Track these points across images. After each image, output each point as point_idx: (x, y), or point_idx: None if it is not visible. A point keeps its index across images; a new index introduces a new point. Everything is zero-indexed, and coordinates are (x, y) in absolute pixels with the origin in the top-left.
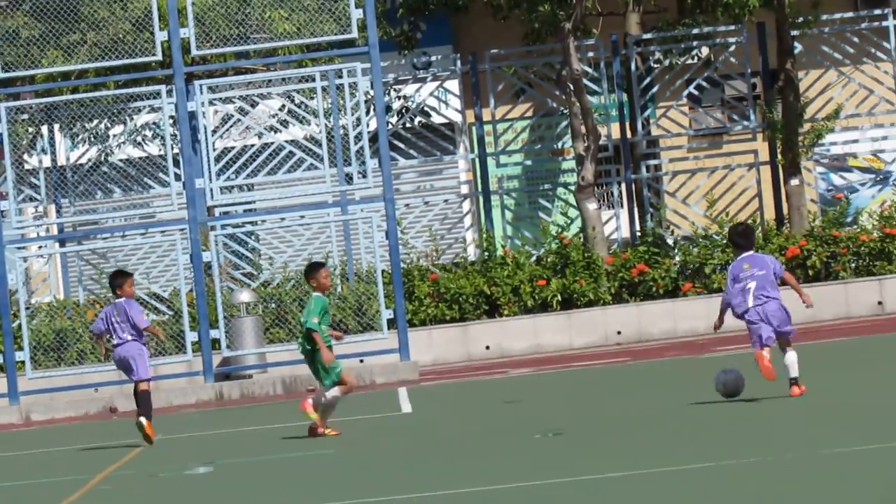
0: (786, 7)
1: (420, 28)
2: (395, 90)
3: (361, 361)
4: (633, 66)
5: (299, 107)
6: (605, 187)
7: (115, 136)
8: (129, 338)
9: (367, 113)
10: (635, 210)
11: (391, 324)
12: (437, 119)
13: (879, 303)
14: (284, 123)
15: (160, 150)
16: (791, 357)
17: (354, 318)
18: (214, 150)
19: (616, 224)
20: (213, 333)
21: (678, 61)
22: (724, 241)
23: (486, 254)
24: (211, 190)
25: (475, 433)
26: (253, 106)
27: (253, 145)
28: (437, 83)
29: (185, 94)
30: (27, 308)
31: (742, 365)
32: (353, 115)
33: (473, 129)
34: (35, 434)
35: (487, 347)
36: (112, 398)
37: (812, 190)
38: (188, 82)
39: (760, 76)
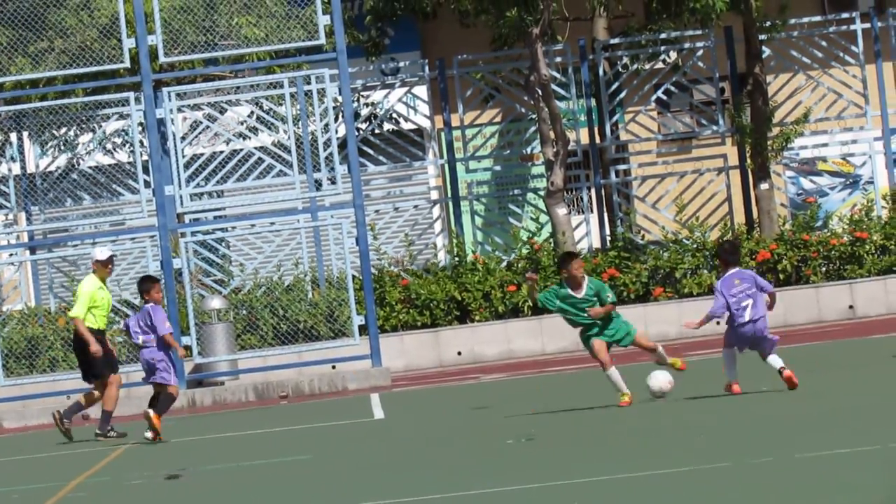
0: (753, 11)
1: (388, 34)
2: (363, 96)
3: (333, 367)
4: (601, 71)
5: (268, 113)
6: (574, 192)
7: (84, 143)
8: (154, 343)
9: (336, 119)
10: (605, 215)
11: (363, 330)
12: (405, 125)
13: (850, 307)
14: (253, 130)
15: (129, 157)
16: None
17: (326, 325)
18: (184, 156)
19: (586, 229)
20: (185, 340)
21: (646, 66)
22: (695, 246)
23: (457, 259)
24: (180, 197)
25: (448, 439)
26: (222, 112)
27: (222, 152)
28: (406, 89)
29: (154, 100)
30: None
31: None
32: (321, 121)
33: (442, 134)
34: (8, 441)
35: (459, 353)
36: None
37: (782, 194)
38: (156, 89)
39: (729, 80)
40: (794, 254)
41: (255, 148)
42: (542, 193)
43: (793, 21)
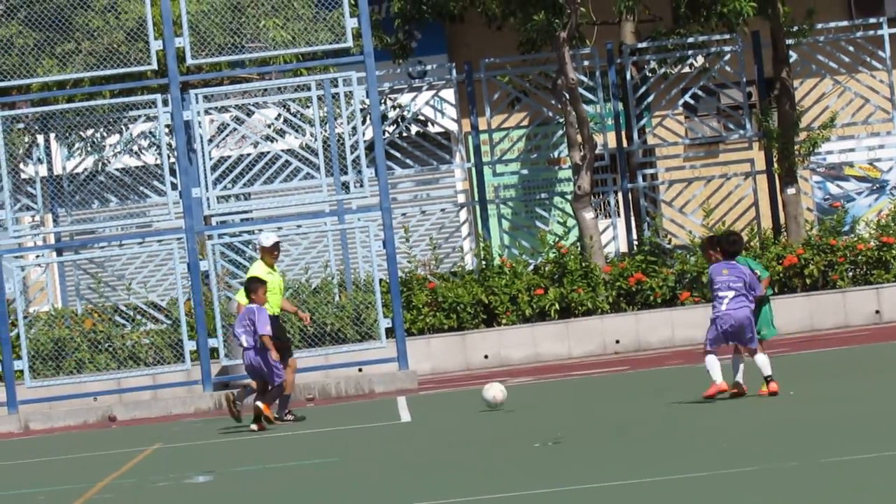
0: (780, 16)
1: (415, 37)
2: (390, 99)
3: (360, 370)
4: (628, 75)
5: (295, 116)
6: (601, 196)
7: (111, 145)
8: (253, 345)
9: (363, 122)
10: (632, 219)
11: (389, 333)
12: (432, 128)
13: (877, 312)
14: (280, 132)
15: (156, 159)
16: (761, 358)
17: (353, 328)
18: (211, 159)
19: (613, 233)
20: (212, 342)
21: (673, 70)
22: None
23: (484, 263)
24: (207, 199)
25: (474, 442)
26: (249, 115)
27: (249, 154)
28: (433, 92)
29: (181, 103)
30: (25, 317)
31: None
32: (348, 123)
33: (469, 138)
34: (34, 443)
35: (486, 356)
36: (111, 407)
37: (809, 199)
38: (184, 91)
39: (756, 85)
40: (821, 258)
41: (282, 150)
42: (569, 197)
43: (820, 26)
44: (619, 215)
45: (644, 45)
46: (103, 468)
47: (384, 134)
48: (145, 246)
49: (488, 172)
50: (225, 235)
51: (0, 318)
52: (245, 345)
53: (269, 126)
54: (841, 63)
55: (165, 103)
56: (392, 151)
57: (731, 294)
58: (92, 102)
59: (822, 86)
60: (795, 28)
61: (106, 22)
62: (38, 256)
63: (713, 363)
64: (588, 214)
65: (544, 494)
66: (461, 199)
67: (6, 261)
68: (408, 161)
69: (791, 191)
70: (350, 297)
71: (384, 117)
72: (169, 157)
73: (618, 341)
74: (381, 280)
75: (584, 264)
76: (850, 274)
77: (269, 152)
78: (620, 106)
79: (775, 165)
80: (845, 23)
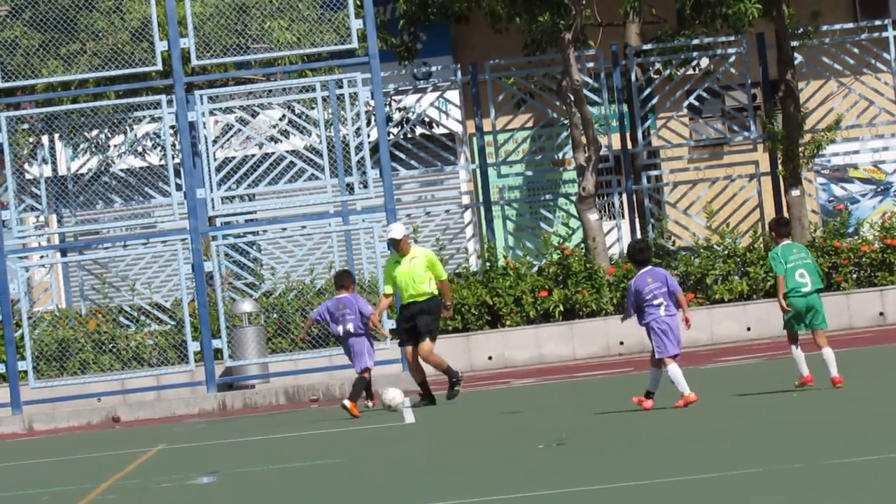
0: (785, 18)
1: (420, 38)
2: (395, 100)
3: None
4: (633, 77)
5: (300, 117)
6: (606, 198)
7: (115, 145)
8: (360, 330)
9: (368, 123)
10: (636, 221)
11: (393, 334)
12: (437, 129)
13: (881, 313)
14: (285, 133)
15: (161, 159)
16: (674, 369)
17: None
18: (215, 160)
19: (617, 235)
20: (216, 343)
21: (678, 72)
22: (726, 252)
23: (488, 264)
24: (212, 200)
25: (478, 443)
26: (253, 116)
27: (254, 155)
28: (438, 93)
29: (186, 103)
30: (29, 318)
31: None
32: (353, 125)
33: (474, 139)
34: (38, 443)
35: (490, 358)
36: (115, 407)
37: (813, 201)
38: (188, 92)
39: (760, 87)
40: (825, 260)
41: (287, 151)
42: (573, 199)
43: (824, 28)
44: (623, 217)
45: (649, 46)
46: (107, 469)
47: (389, 135)
48: (149, 246)
49: (493, 174)
50: (229, 236)
51: (4, 319)
52: (352, 330)
53: (273, 127)
54: (846, 65)
55: (170, 104)
56: (397, 153)
57: (663, 301)
58: (96, 103)
59: (827, 88)
60: (800, 30)
61: (111, 23)
62: (42, 257)
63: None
64: (592, 216)
65: (548, 496)
66: (465, 200)
67: (10, 261)
68: (412, 162)
69: (795, 193)
70: None
71: (389, 118)
72: (173, 157)
73: (622, 343)
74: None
75: (588, 266)
76: (854, 276)
77: (273, 153)
78: (625, 107)
79: (780, 167)
80: (850, 25)
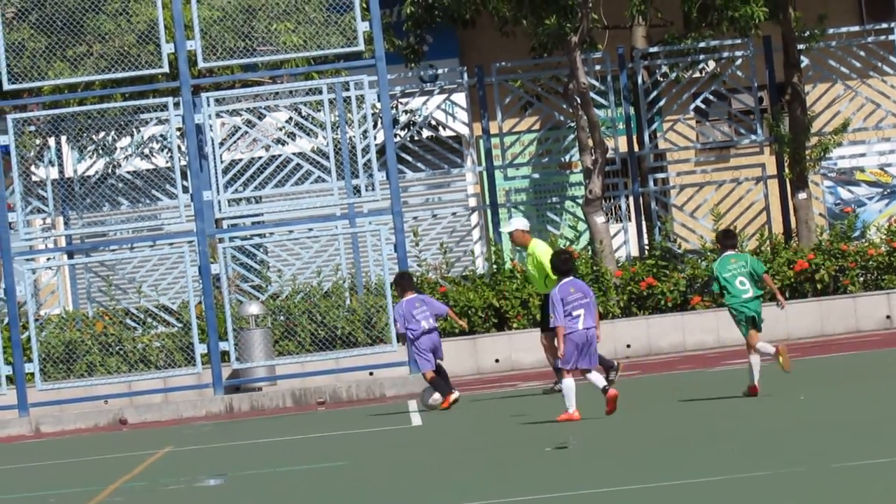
0: (792, 21)
1: (426, 41)
2: (401, 103)
3: (371, 374)
4: (639, 80)
5: (306, 119)
6: (612, 201)
7: (122, 148)
8: (435, 325)
9: (375, 125)
10: (643, 223)
11: (400, 337)
12: (444, 132)
13: (888, 317)
14: (292, 136)
15: (167, 162)
16: (593, 375)
17: (364, 331)
18: (222, 162)
19: (624, 237)
20: (223, 346)
21: (685, 75)
22: None
23: (495, 267)
24: (219, 202)
25: (485, 446)
26: (260, 118)
27: (260, 157)
28: (444, 96)
29: (192, 106)
30: (36, 320)
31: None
32: (360, 127)
33: (481, 141)
34: (45, 446)
35: (497, 360)
36: (122, 410)
37: (820, 204)
38: (195, 95)
39: (767, 90)
40: (832, 263)
41: (294, 154)
42: (580, 201)
43: (831, 31)
44: (630, 219)
45: (655, 49)
46: (114, 471)
47: (395, 137)
48: (156, 249)
49: (499, 176)
50: (236, 238)
51: (11, 321)
52: (427, 327)
53: (280, 129)
54: (852, 68)
55: (177, 106)
56: (403, 155)
57: (583, 312)
58: (103, 105)
59: (834, 91)
60: (807, 33)
61: (117, 25)
62: (49, 259)
63: (571, 387)
64: (599, 219)
65: (555, 499)
66: (472, 202)
67: (17, 263)
68: (419, 165)
69: (802, 196)
70: (361, 300)
71: (395, 121)
72: (180, 160)
73: (629, 346)
74: (391, 284)
75: (594, 268)
76: (861, 279)
77: (280, 155)
78: (632, 110)
79: (786, 170)
80: (856, 28)
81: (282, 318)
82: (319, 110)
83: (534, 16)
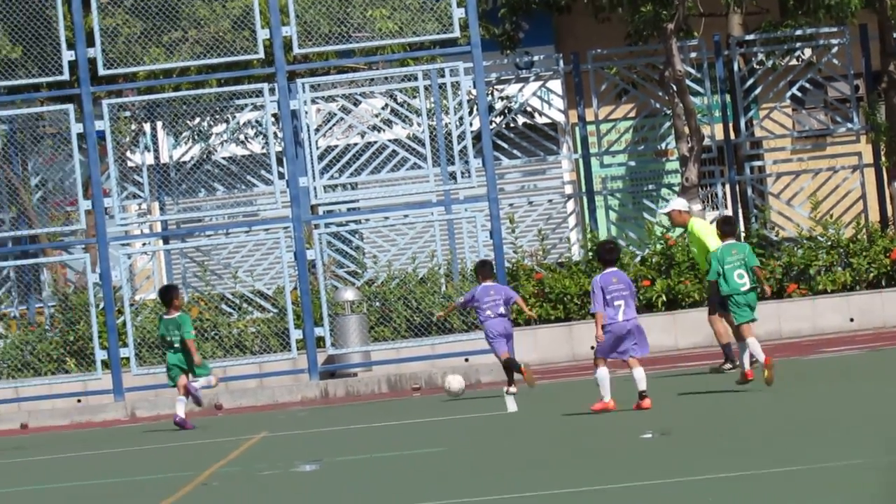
0: (888, 9)
1: (522, 27)
2: (497, 89)
3: (466, 360)
4: (735, 67)
5: (402, 105)
6: (709, 188)
7: (217, 133)
8: (505, 312)
9: (470, 112)
10: (740, 211)
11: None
12: (540, 119)
13: None
14: (387, 122)
15: (263, 148)
16: (639, 373)
17: (459, 317)
18: (317, 148)
19: None
20: (318, 331)
21: (781, 63)
22: (829, 244)
23: (591, 254)
24: (314, 188)
25: (581, 433)
26: (355, 104)
27: (356, 144)
28: (540, 83)
29: (288, 92)
30: (131, 305)
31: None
32: (455, 114)
33: (576, 129)
34: (141, 430)
35: (592, 347)
36: (217, 395)
37: None
38: (290, 81)
39: (863, 78)
40: None
41: (389, 140)
42: (676, 189)
43: None
44: (726, 207)
45: (751, 37)
46: (210, 456)
47: (491, 124)
48: (252, 235)
49: (595, 164)
50: (332, 224)
51: (107, 306)
52: (503, 312)
53: (375, 116)
54: None
55: (272, 92)
56: (499, 142)
57: (623, 303)
58: (198, 91)
59: None
60: None
61: (212, 10)
62: (144, 244)
63: (605, 376)
64: (695, 206)
65: (652, 485)
66: (568, 189)
67: (113, 248)
68: (515, 152)
69: None
70: (456, 287)
71: (491, 108)
72: (276, 146)
73: None
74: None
75: (690, 256)
76: None
77: (376, 142)
78: (728, 98)
79: (883, 159)
80: None
81: (377, 303)
82: (415, 97)
83: (630, 3)
